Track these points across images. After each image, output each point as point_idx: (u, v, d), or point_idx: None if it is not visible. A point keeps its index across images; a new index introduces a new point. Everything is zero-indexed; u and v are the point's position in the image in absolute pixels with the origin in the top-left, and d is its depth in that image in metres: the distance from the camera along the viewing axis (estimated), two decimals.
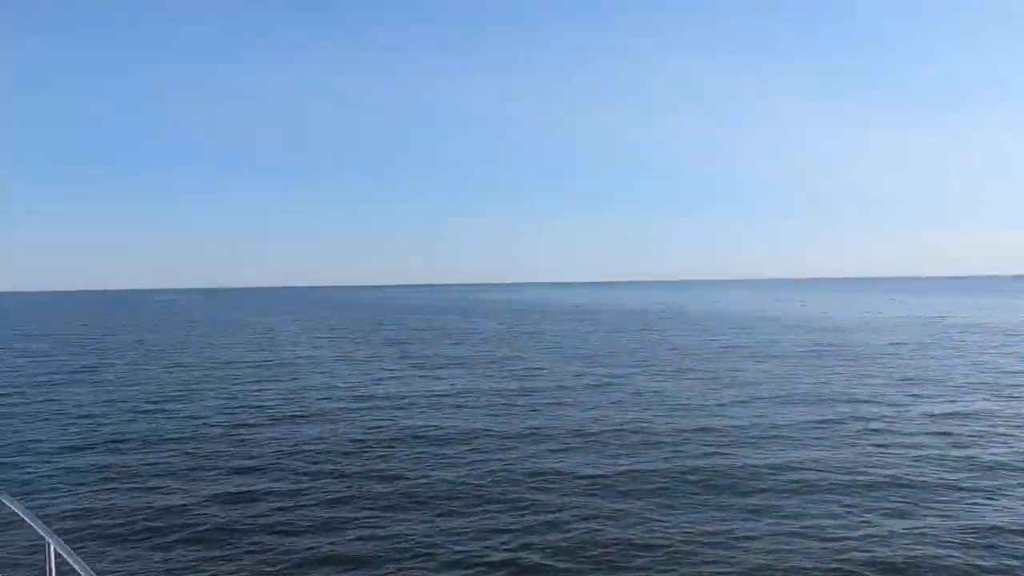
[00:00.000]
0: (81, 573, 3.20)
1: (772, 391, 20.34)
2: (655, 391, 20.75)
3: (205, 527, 9.82)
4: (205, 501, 11.02)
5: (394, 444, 14.60)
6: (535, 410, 18.16)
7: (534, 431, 15.61)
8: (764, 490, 11.03)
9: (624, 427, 15.81)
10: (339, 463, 13.17)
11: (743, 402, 18.68)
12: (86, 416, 18.44)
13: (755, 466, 12.37)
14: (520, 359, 30.19)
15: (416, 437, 15.25)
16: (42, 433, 16.36)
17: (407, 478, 12.10)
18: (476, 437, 15.11)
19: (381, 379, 24.57)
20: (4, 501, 4.17)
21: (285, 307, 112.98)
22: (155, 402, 20.46)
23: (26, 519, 3.80)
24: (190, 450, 14.40)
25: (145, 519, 10.21)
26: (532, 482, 11.73)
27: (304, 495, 11.23)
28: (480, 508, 10.45)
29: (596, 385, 22.19)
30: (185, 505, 10.80)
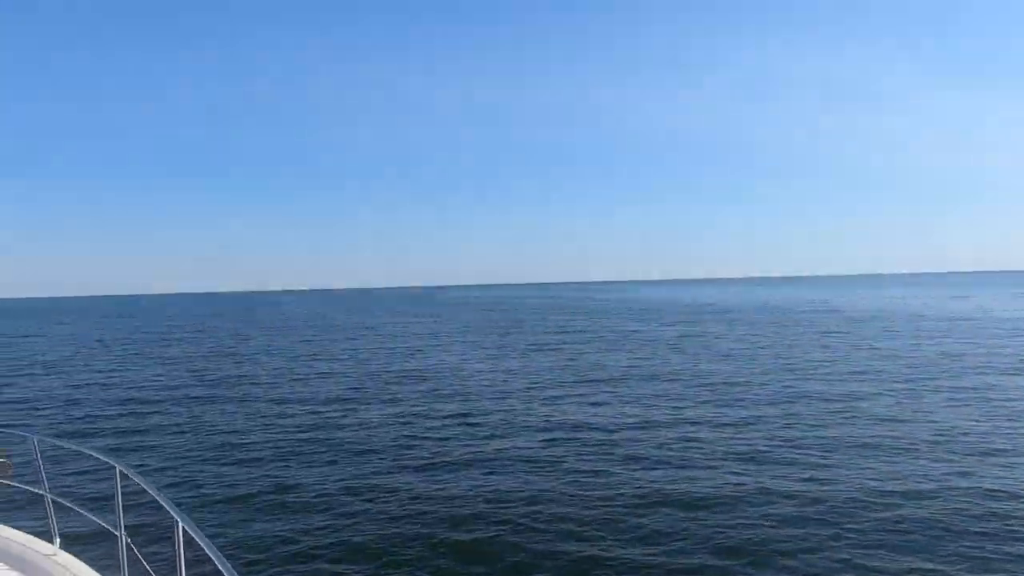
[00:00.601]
0: (207, 551, 3.01)
1: None
2: (924, 418, 16.08)
3: None
4: None
5: (644, 506, 10.82)
6: (794, 447, 13.98)
7: (812, 478, 11.45)
8: None
9: (951, 483, 11.41)
10: (592, 542, 9.50)
11: None
12: (241, 445, 15.75)
13: None
14: (703, 370, 25.92)
15: (660, 492, 11.43)
16: (196, 467, 13.61)
17: (692, 567, 8.28)
18: (751, 494, 11.11)
19: (557, 399, 20.95)
20: (136, 479, 3.80)
21: (406, 308, 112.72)
22: (313, 427, 17.63)
23: (157, 498, 3.65)
24: (373, 510, 11.11)
25: None
26: None
27: None
28: None
29: (832, 406, 17.72)
30: None
